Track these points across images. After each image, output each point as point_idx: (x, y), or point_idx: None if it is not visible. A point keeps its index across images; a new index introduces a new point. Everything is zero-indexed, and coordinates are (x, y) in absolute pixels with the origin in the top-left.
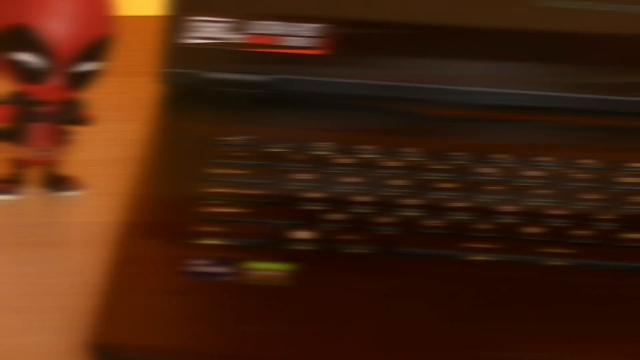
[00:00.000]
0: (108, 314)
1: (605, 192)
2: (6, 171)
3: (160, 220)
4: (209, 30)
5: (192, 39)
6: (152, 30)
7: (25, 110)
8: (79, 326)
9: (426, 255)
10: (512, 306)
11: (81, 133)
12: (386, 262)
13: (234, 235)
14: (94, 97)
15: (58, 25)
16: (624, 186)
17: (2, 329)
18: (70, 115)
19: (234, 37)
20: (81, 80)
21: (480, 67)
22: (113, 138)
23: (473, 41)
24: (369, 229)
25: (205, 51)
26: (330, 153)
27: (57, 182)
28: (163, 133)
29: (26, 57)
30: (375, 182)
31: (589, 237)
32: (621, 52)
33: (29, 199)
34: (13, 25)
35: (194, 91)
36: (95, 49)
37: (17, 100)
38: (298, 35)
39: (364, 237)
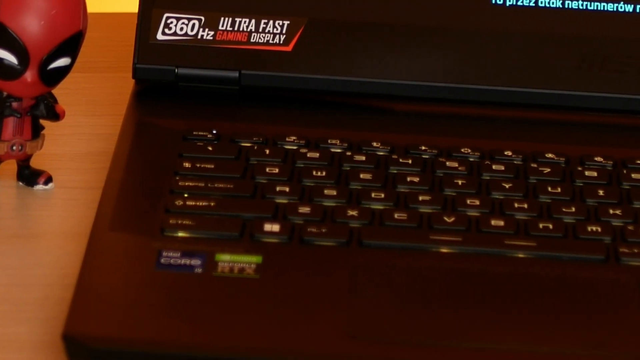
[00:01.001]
0: (79, 306)
1: (568, 186)
2: None
3: (131, 213)
4: (180, 27)
5: (164, 36)
6: (124, 27)
7: None
8: (54, 317)
9: (393, 248)
10: (478, 297)
11: (54, 128)
12: (354, 254)
13: (204, 227)
14: (67, 92)
15: (31, 21)
16: (586, 180)
17: None
18: (43, 110)
19: (204, 33)
20: (54, 76)
21: (445, 63)
22: (86, 133)
23: (437, 39)
24: (337, 221)
25: (176, 48)
26: (298, 147)
27: (31, 176)
28: (135, 128)
29: None
30: (342, 175)
31: (552, 230)
32: (574, 49)
33: (3, 193)
34: None
35: (166, 87)
36: (68, 45)
37: None
38: (266, 32)
39: (332, 230)
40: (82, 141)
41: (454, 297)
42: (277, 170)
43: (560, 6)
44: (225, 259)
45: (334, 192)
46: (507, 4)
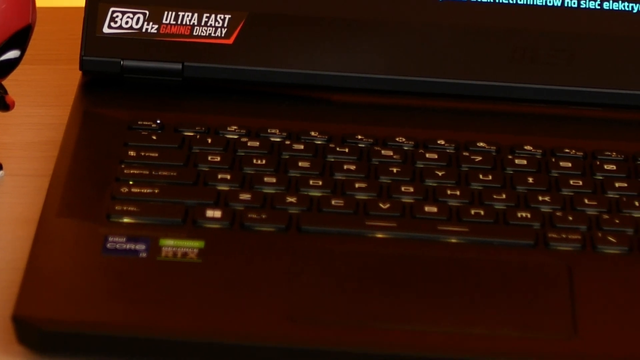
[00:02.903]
0: (29, 289)
1: (499, 174)
2: None
3: (78, 200)
4: (125, 20)
5: (109, 29)
6: (72, 21)
7: None
8: (4, 300)
9: (330, 233)
10: (412, 281)
11: (4, 118)
12: (293, 239)
13: (148, 214)
14: (17, 83)
15: None
16: (516, 168)
17: None
18: None
19: (148, 27)
20: (4, 68)
21: (380, 55)
22: (35, 122)
23: (373, 32)
24: (276, 208)
25: (122, 40)
26: (239, 137)
27: None
28: (82, 118)
29: None
30: (282, 164)
31: (483, 216)
32: (505, 42)
33: None
34: None
35: (111, 78)
36: (18, 38)
37: None
38: (208, 26)
39: (272, 216)
40: (32, 130)
41: (390, 280)
42: (218, 159)
43: (492, 0)
44: (169, 244)
45: (274, 180)
46: None
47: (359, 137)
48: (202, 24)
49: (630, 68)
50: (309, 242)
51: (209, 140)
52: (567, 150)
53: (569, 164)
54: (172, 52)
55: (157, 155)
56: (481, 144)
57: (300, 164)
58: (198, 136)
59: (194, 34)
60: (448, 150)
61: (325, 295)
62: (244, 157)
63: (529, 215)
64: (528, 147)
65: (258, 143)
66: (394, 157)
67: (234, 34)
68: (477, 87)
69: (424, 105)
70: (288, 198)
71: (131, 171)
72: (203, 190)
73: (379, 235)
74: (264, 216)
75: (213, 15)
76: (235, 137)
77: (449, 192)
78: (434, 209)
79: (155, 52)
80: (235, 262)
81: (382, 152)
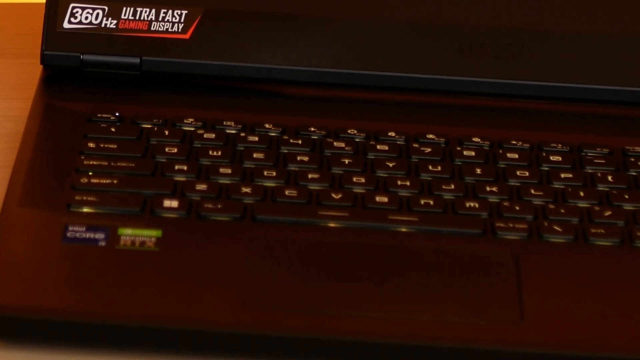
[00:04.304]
0: None
1: (448, 165)
2: None
3: (39, 190)
4: (85, 16)
5: (70, 25)
6: (34, 16)
7: None
8: None
9: (284, 222)
10: (364, 269)
11: None
12: (247, 228)
13: (107, 204)
14: None
15: None
16: (465, 159)
17: None
18: None
19: (107, 22)
20: None
21: (332, 50)
22: None
23: (325, 27)
24: (231, 198)
25: (81, 35)
26: (195, 129)
27: None
28: (43, 110)
29: None
30: (237, 155)
31: (433, 206)
32: (453, 37)
33: None
34: None
35: (72, 72)
36: None
37: None
38: (165, 21)
39: (227, 206)
40: None
41: (342, 268)
42: (175, 150)
43: None
44: (127, 233)
45: (229, 171)
46: None
47: (312, 129)
48: (160, 19)
49: (574, 62)
50: (263, 231)
51: (166, 133)
52: (513, 142)
53: (516, 155)
54: (131, 46)
55: (115, 146)
56: (430, 136)
57: (254, 155)
58: (155, 128)
59: (152, 29)
60: (398, 142)
61: (279, 283)
62: (200, 148)
63: (477, 205)
64: (476, 139)
65: (214, 135)
66: (346, 148)
67: (190, 29)
68: (426, 81)
69: (374, 98)
70: (243, 188)
71: (91, 162)
72: (160, 180)
73: (331, 225)
74: (219, 206)
75: (170, 11)
76: (192, 129)
77: (399, 182)
78: (385, 199)
79: (114, 47)
80: (191, 251)
81: (334, 143)
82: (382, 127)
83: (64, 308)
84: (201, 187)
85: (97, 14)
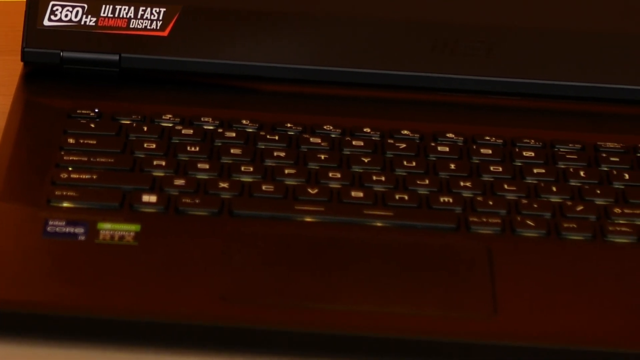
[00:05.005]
0: None
1: (422, 160)
2: None
3: (20, 185)
4: (65, 14)
5: (50, 22)
6: (14, 14)
7: None
8: None
9: (261, 217)
10: (340, 262)
11: None
12: (225, 223)
13: (87, 198)
14: None
15: None
16: (439, 155)
17: None
18: None
19: (87, 20)
20: None
21: (308, 47)
22: None
23: (301, 24)
24: (209, 193)
25: (61, 33)
26: (173, 125)
27: None
28: (23, 107)
29: None
30: (214, 150)
31: (407, 201)
32: (427, 34)
33: None
34: None
35: (52, 69)
36: None
37: None
38: (144, 19)
39: (205, 201)
40: None
41: (318, 262)
42: (154, 146)
43: None
44: (107, 227)
45: (207, 166)
46: None
47: (289, 125)
48: (138, 16)
49: (547, 59)
50: (241, 225)
51: (145, 129)
52: (487, 138)
53: (489, 151)
54: (110, 44)
55: (95, 142)
56: (405, 132)
57: (232, 150)
58: (134, 124)
59: (131, 26)
60: (373, 138)
61: (256, 276)
62: (179, 144)
63: (451, 200)
64: (450, 135)
65: (192, 131)
66: (322, 144)
67: (168, 27)
68: (401, 78)
69: (350, 95)
70: (220, 183)
71: (70, 158)
72: (139, 176)
73: (308, 219)
74: (197, 201)
75: (149, 9)
76: (170, 125)
77: (374, 177)
78: (360, 194)
79: (94, 44)
80: (170, 245)
81: (311, 139)
82: (358, 123)
83: (43, 301)
84: (179, 182)
85: (77, 12)
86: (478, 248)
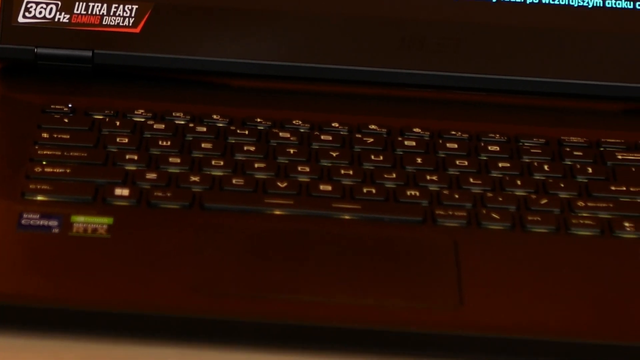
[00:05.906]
0: None
1: (389, 155)
2: None
3: None
4: (39, 11)
5: (24, 19)
6: None
7: None
8: None
9: (231, 210)
10: (309, 255)
11: None
12: (196, 216)
13: (61, 192)
14: None
15: None
16: (406, 149)
17: None
18: None
19: (61, 17)
20: None
21: (277, 43)
22: None
23: (270, 21)
24: (180, 186)
25: (36, 29)
26: (145, 120)
27: None
28: None
29: None
30: (186, 145)
31: (375, 194)
32: (395, 31)
33: None
34: None
35: (26, 65)
36: None
37: None
38: (117, 15)
39: (176, 194)
40: None
41: (287, 255)
42: (126, 140)
43: None
44: (80, 220)
45: (178, 160)
46: None
47: (258, 120)
48: (111, 13)
49: (513, 55)
50: (211, 218)
51: (118, 123)
52: (453, 132)
53: (455, 145)
54: (83, 40)
55: (68, 137)
56: (373, 127)
57: (203, 145)
58: (107, 119)
59: (104, 23)
60: (342, 133)
61: (227, 269)
62: (150, 138)
63: (417, 194)
64: (417, 130)
65: (163, 126)
66: (291, 138)
67: (141, 23)
68: (369, 73)
69: (318, 90)
70: (192, 177)
71: (44, 152)
72: (112, 170)
73: (277, 212)
74: (169, 194)
75: (121, 6)
76: (142, 120)
77: (342, 171)
78: (329, 188)
79: (67, 41)
80: (142, 237)
81: (280, 134)
82: (326, 118)
83: (17, 294)
84: (151, 176)
85: (51, 9)
86: (444, 240)
